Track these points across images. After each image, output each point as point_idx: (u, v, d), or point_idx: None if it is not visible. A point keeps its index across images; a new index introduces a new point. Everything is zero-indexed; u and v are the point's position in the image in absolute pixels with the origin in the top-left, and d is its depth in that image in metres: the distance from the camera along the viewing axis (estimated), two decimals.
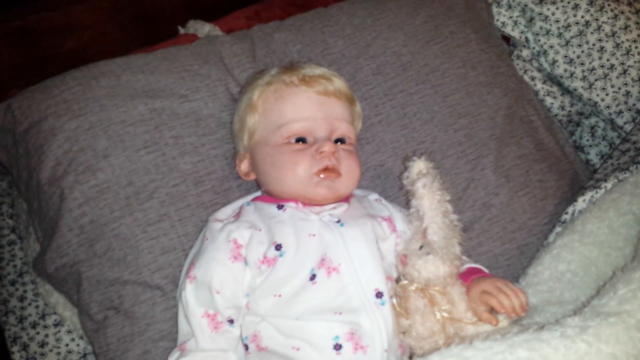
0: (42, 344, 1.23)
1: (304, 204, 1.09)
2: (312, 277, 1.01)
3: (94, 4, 1.50)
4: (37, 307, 1.26)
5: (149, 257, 1.13)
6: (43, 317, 1.25)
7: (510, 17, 1.56)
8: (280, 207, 1.09)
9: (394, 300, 1.04)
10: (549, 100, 1.54)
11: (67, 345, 1.24)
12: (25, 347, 1.23)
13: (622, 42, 1.45)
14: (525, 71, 1.55)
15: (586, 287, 1.08)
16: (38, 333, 1.24)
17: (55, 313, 1.25)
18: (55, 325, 1.25)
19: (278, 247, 1.03)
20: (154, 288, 1.12)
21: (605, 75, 1.46)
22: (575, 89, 1.50)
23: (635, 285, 0.86)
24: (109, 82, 1.23)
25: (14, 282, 1.29)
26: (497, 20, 1.57)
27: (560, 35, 1.50)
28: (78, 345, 1.24)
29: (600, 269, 1.10)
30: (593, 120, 1.54)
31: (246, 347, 1.03)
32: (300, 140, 1.10)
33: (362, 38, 1.39)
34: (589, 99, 1.49)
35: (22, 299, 1.27)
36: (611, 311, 0.84)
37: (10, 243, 1.33)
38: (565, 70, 1.50)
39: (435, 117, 1.34)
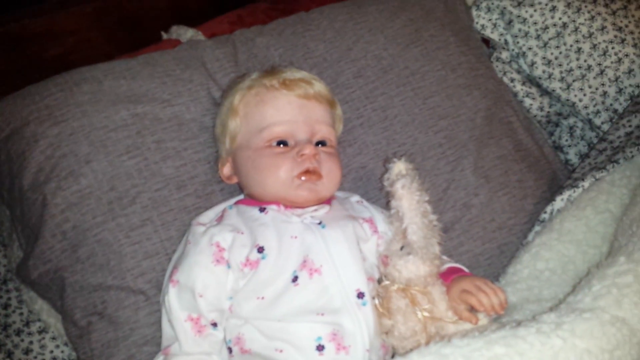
0: (27, 351, 1.23)
1: (286, 206, 1.10)
2: (294, 279, 1.02)
3: (77, 10, 1.50)
4: (21, 314, 1.26)
5: (132, 262, 1.13)
6: (27, 324, 1.25)
7: (490, 20, 1.58)
8: (262, 209, 1.10)
9: (376, 301, 1.04)
10: (528, 101, 1.56)
11: (51, 352, 1.24)
12: (9, 354, 1.23)
13: (599, 43, 1.47)
14: (505, 73, 1.57)
15: (564, 284, 1.09)
16: (22, 340, 1.24)
17: (39, 320, 1.25)
18: (40, 332, 1.24)
19: (260, 249, 1.04)
20: (137, 293, 1.12)
21: (583, 76, 1.49)
22: (553, 90, 1.52)
23: (609, 282, 0.88)
24: (91, 87, 1.24)
25: None
26: (477, 22, 1.59)
27: (538, 37, 1.52)
28: (63, 351, 1.24)
29: (579, 267, 1.12)
30: (572, 120, 1.56)
31: (230, 350, 1.03)
32: (282, 143, 1.11)
33: (343, 42, 1.40)
34: (567, 100, 1.51)
35: (6, 306, 1.27)
36: (586, 307, 0.85)
37: None
38: (544, 72, 1.52)
39: (416, 119, 1.36)
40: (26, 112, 1.20)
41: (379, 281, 1.08)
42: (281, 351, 0.99)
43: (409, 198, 1.03)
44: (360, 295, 1.02)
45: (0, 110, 1.22)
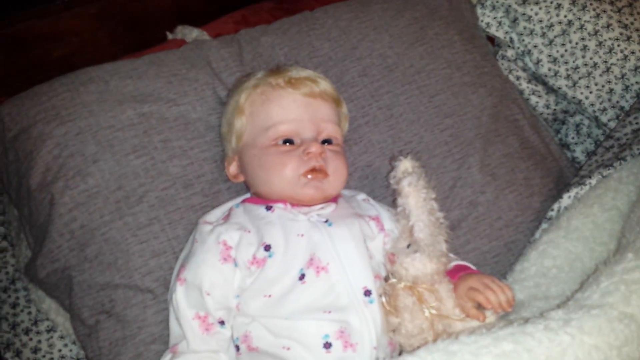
0: (35, 350, 1.24)
1: (292, 204, 1.10)
2: (301, 277, 1.02)
3: (82, 11, 1.50)
4: (29, 313, 1.27)
5: (139, 261, 1.14)
6: (36, 323, 1.26)
7: (495, 18, 1.58)
8: (268, 208, 1.10)
9: (383, 299, 1.04)
10: (534, 99, 1.56)
11: (60, 350, 1.24)
12: (18, 353, 1.23)
13: (605, 40, 1.47)
14: (510, 71, 1.57)
15: (572, 282, 1.09)
16: (31, 339, 1.25)
17: (47, 319, 1.26)
18: (48, 331, 1.25)
19: (267, 247, 1.04)
20: (145, 291, 1.13)
21: (589, 74, 1.48)
22: (559, 88, 1.52)
23: (617, 278, 0.88)
24: (98, 87, 1.24)
25: (6, 289, 1.29)
26: (482, 21, 1.59)
27: (543, 34, 1.52)
28: (71, 350, 1.25)
29: (586, 264, 1.12)
30: (578, 118, 1.56)
31: (237, 347, 1.03)
32: (288, 141, 1.11)
33: (348, 40, 1.40)
34: (573, 97, 1.51)
35: (14, 305, 1.27)
36: (594, 304, 0.85)
37: (2, 250, 1.34)
38: (550, 69, 1.52)
39: (422, 118, 1.36)
40: (33, 112, 1.21)
41: (386, 279, 1.08)
42: (288, 349, 0.99)
43: (415, 196, 1.04)
44: (367, 293, 1.02)
45: (8, 110, 1.23)
